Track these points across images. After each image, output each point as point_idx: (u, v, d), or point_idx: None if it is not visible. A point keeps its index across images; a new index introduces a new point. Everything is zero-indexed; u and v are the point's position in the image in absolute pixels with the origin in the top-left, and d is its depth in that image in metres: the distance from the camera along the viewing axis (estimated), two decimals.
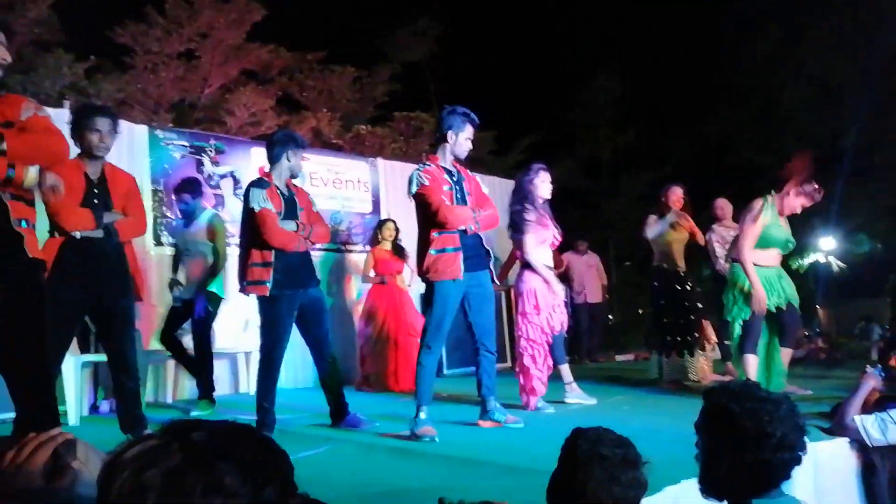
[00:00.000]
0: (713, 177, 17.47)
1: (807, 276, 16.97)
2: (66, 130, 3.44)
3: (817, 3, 15.59)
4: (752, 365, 4.06)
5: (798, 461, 1.53)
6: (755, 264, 4.07)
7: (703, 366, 5.03)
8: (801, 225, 16.96)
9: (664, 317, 5.09)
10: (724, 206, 5.83)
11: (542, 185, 4.36)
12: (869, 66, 15.42)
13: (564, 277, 7.79)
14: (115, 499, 0.73)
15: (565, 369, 4.49)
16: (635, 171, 17.49)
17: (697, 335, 5.02)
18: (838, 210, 16.33)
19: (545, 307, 4.24)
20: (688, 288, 5.11)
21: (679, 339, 5.00)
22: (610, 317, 9.75)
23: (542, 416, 3.98)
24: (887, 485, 2.83)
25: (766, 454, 1.48)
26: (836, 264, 17.37)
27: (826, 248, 16.90)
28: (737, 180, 17.04)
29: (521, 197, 4.37)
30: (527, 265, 4.32)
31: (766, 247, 4.16)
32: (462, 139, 3.61)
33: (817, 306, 14.85)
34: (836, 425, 3.00)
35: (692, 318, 5.03)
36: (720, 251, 5.59)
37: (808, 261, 16.93)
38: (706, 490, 1.61)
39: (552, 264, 4.51)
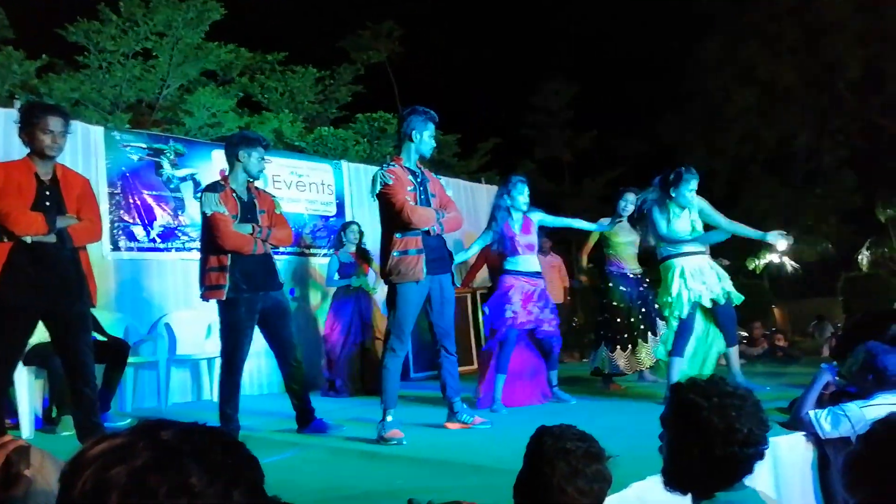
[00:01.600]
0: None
1: (762, 276, 17.46)
2: (14, 131, 3.34)
3: (758, 7, 16.06)
4: (677, 368, 4.05)
5: (761, 455, 1.57)
6: (685, 253, 4.11)
7: (640, 359, 5.05)
8: (756, 226, 17.51)
9: (607, 313, 5.15)
10: None
11: (520, 197, 4.50)
12: (813, 69, 15.95)
13: None
14: (77, 497, 0.71)
15: (553, 374, 4.58)
16: (595, 172, 17.78)
17: (642, 328, 5.07)
18: (791, 212, 16.86)
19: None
20: (641, 290, 5.19)
21: (618, 334, 5.05)
22: (575, 318, 9.85)
23: (509, 417, 4.00)
24: (820, 468, 2.94)
25: (732, 449, 1.51)
26: (789, 265, 17.92)
27: (780, 248, 17.41)
28: None
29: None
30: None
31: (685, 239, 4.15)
32: (426, 137, 3.63)
33: (773, 306, 15.28)
34: (792, 419, 3.09)
35: (639, 316, 5.09)
36: None
37: (763, 261, 17.42)
38: (670, 483, 1.63)
39: (538, 269, 4.59)
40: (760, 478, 1.60)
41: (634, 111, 18.43)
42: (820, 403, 3.07)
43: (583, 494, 1.44)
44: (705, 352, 4.25)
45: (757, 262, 17.28)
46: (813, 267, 17.90)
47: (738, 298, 4.23)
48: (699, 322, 4.15)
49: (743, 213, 17.63)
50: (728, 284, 4.21)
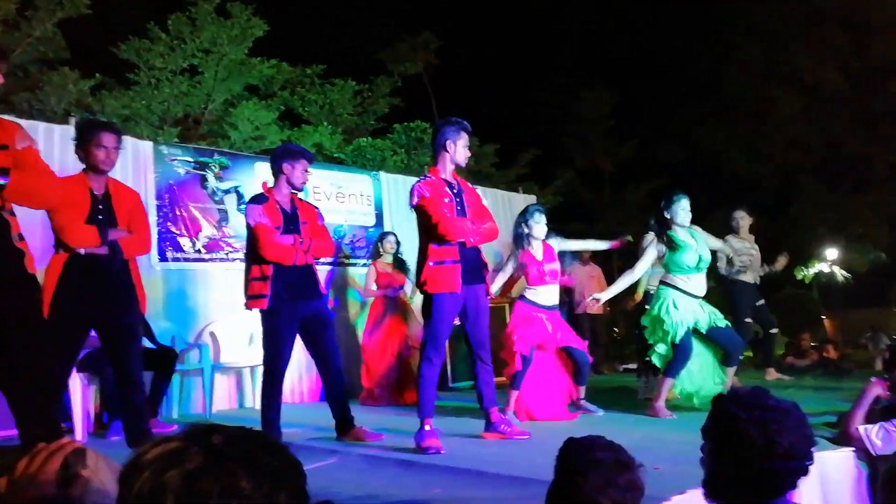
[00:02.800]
0: (709, 186, 17.53)
1: (811, 286, 16.94)
2: (70, 147, 3.50)
3: (804, 11, 15.65)
4: (667, 386, 4.22)
5: (805, 471, 1.53)
6: (681, 289, 4.29)
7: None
8: (805, 235, 17.01)
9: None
10: (741, 217, 5.93)
11: (536, 226, 4.46)
12: (862, 72, 15.46)
13: (566, 288, 7.80)
14: (134, 498, 0.75)
15: (581, 390, 4.57)
16: (635, 181, 17.55)
17: None
18: (840, 220, 16.34)
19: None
20: None
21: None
22: (615, 329, 9.72)
23: (547, 428, 3.98)
24: (872, 486, 2.83)
25: (773, 463, 1.48)
26: (840, 274, 17.34)
27: (830, 257, 16.89)
28: (732, 189, 17.09)
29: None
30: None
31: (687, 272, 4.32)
32: (460, 147, 3.64)
33: (823, 317, 14.80)
34: (840, 435, 2.99)
35: None
36: (737, 262, 5.73)
37: (812, 271, 16.91)
38: (711, 495, 1.61)
39: (556, 302, 4.54)
40: (807, 494, 1.56)
41: (676, 119, 18.14)
42: (870, 418, 2.98)
43: None
44: (710, 371, 4.36)
45: (806, 272, 16.77)
46: (865, 276, 17.29)
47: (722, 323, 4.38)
48: (697, 346, 4.29)
49: (790, 221, 17.18)
50: (718, 316, 4.35)
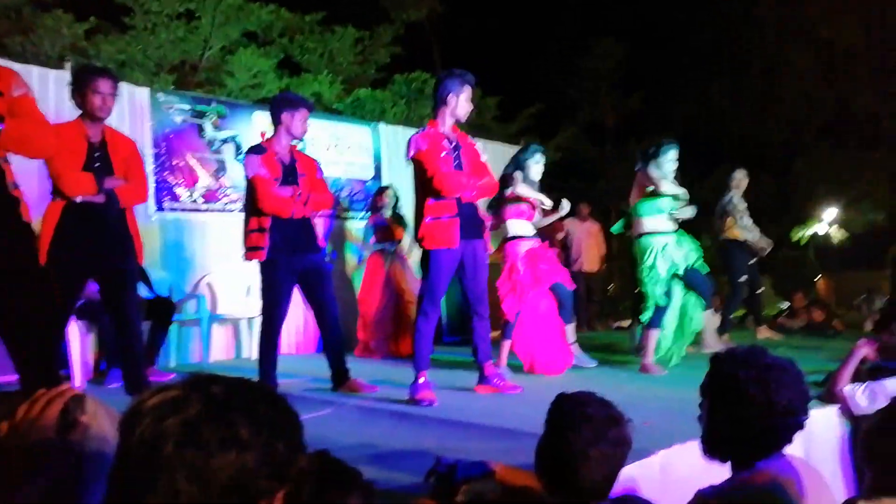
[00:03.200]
0: (717, 143, 17.34)
1: (807, 247, 16.96)
2: (66, 92, 3.45)
3: None
4: (653, 339, 4.33)
5: (801, 426, 1.57)
6: (655, 231, 4.34)
7: None
8: (803, 193, 16.92)
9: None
10: (742, 177, 5.93)
11: (535, 166, 4.51)
12: (879, 30, 15.12)
13: (563, 245, 7.81)
14: (135, 444, 0.77)
15: (570, 329, 4.59)
16: (640, 136, 17.35)
17: None
18: (842, 178, 16.22)
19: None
20: None
21: None
22: (610, 286, 9.76)
23: (540, 382, 4.05)
24: (854, 443, 2.91)
25: (772, 420, 1.52)
26: (837, 235, 17.33)
27: (828, 218, 16.83)
28: (741, 146, 16.90)
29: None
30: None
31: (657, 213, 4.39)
32: (463, 100, 3.59)
33: (817, 278, 14.87)
34: (827, 393, 3.06)
35: None
36: (746, 220, 5.82)
37: (808, 231, 16.90)
38: (709, 452, 1.65)
39: (530, 233, 4.57)
40: (791, 450, 1.60)
41: (685, 74, 17.79)
42: (857, 378, 3.03)
43: (606, 458, 1.48)
44: (685, 323, 4.46)
45: (802, 233, 16.76)
46: (863, 238, 17.28)
47: (703, 269, 4.46)
48: (677, 293, 4.37)
49: (795, 178, 17.05)
50: (694, 256, 4.41)
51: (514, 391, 3.66)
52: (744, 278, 5.88)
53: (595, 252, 8.16)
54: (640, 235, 4.41)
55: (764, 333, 6.21)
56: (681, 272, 4.32)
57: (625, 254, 6.99)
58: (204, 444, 0.76)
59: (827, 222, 16.57)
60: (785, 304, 8.11)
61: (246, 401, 0.81)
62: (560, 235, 7.70)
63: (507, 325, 4.36)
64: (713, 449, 1.65)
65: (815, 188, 16.73)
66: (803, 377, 1.59)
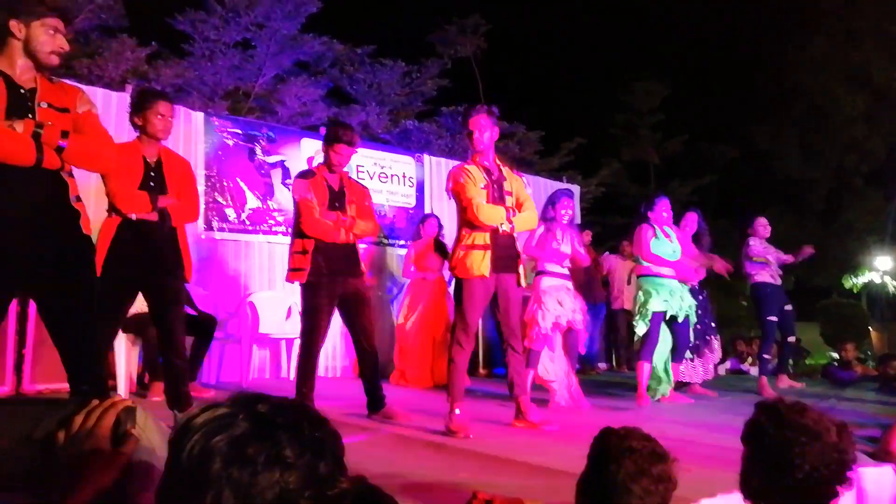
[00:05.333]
0: (761, 185, 17.02)
1: (860, 297, 16.39)
2: (125, 113, 3.59)
3: (873, 4, 14.90)
4: (645, 372, 4.69)
5: (833, 494, 1.49)
6: (661, 276, 4.80)
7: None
8: (856, 243, 16.40)
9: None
10: (765, 224, 5.86)
11: (563, 211, 4.67)
12: None
13: (604, 281, 7.71)
14: (185, 460, 0.78)
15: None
16: (682, 178, 17.16)
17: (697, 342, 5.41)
18: (895, 227, 15.71)
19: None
20: (699, 299, 5.37)
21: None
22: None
23: (577, 420, 3.97)
24: None
25: (810, 479, 1.46)
26: (892, 284, 16.71)
27: (882, 267, 16.27)
28: (783, 190, 16.53)
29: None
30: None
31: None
32: (477, 132, 3.58)
33: (870, 328, 14.31)
34: (880, 451, 2.91)
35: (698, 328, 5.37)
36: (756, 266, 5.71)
37: (862, 280, 16.34)
38: (747, 497, 1.60)
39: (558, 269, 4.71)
40: None
41: (728, 115, 17.62)
42: None
43: (648, 494, 1.43)
44: (665, 360, 4.91)
45: (854, 281, 16.22)
46: None
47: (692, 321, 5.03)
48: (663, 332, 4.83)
49: (843, 228, 16.59)
50: (689, 305, 4.92)
51: (552, 428, 3.59)
52: (773, 319, 5.71)
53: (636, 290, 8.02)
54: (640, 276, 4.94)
55: (785, 382, 6.00)
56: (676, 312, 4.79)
57: None
58: (250, 463, 0.77)
59: (882, 272, 15.98)
60: (834, 354, 7.82)
61: (291, 420, 0.82)
62: (601, 273, 7.62)
63: (530, 353, 4.35)
64: (750, 496, 1.59)
65: (865, 237, 16.23)
66: (846, 444, 1.52)
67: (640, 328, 4.77)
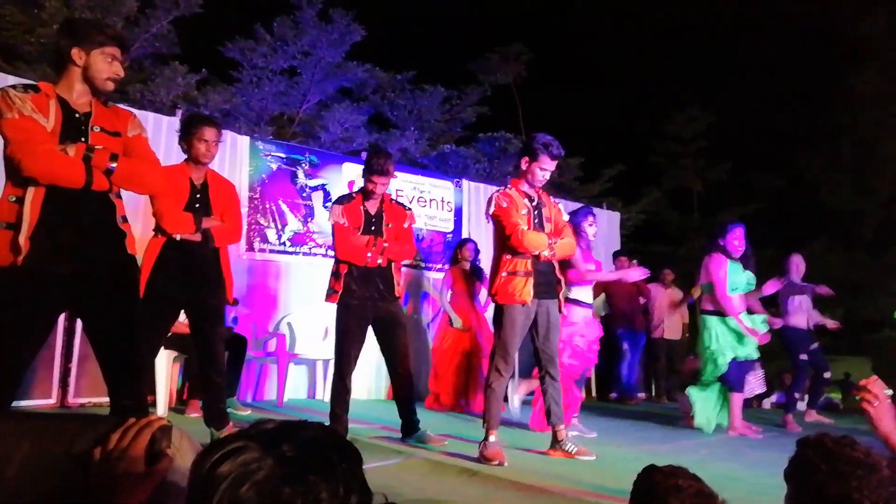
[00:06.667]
0: (808, 216, 16.57)
1: None
2: (175, 136, 3.71)
3: None
4: (739, 403, 4.75)
5: None
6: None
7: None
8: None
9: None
10: (799, 262, 5.76)
11: (590, 228, 4.61)
12: None
13: (644, 310, 7.57)
14: None
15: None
16: (727, 207, 16.82)
17: None
18: None
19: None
20: None
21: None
22: (692, 356, 9.30)
23: (614, 451, 3.87)
24: None
25: None
26: None
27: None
28: (831, 220, 16.05)
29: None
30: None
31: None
32: (534, 168, 3.58)
33: None
34: None
35: None
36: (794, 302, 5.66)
37: None
38: None
39: (589, 300, 4.68)
40: None
41: (774, 144, 17.27)
42: None
43: None
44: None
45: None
46: None
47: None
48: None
49: (893, 260, 16.01)
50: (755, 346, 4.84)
51: (588, 457, 3.51)
52: (805, 358, 5.58)
53: (677, 319, 7.87)
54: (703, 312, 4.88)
55: (812, 417, 5.84)
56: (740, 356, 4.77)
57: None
58: None
59: None
60: (889, 391, 7.49)
61: (321, 457, 0.79)
62: (642, 301, 7.49)
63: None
64: None
65: None
66: None
67: (711, 372, 4.77)
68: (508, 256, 3.54)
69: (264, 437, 0.81)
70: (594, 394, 7.46)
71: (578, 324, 4.49)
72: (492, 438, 3.41)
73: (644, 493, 1.44)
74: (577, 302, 4.52)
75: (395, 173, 4.08)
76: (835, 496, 1.39)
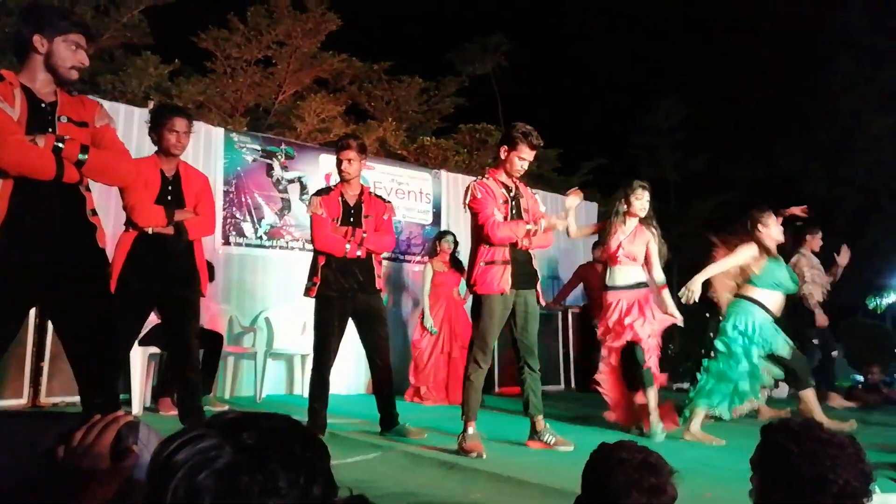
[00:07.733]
0: (784, 205, 16.83)
1: (884, 317, 16.06)
2: (145, 129, 3.63)
3: None
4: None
5: None
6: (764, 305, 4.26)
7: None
8: (882, 263, 16.11)
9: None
10: (811, 239, 5.93)
11: (637, 202, 4.26)
12: None
13: None
14: (170, 501, 0.73)
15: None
16: (704, 194, 17.01)
17: None
18: None
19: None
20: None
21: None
22: (671, 346, 9.40)
23: (592, 441, 3.88)
24: None
25: (824, 500, 1.40)
26: None
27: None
28: (810, 209, 16.32)
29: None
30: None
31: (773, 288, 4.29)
32: (513, 157, 3.55)
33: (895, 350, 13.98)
34: None
35: None
36: (808, 276, 5.62)
37: (886, 300, 16.03)
38: None
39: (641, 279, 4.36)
40: None
41: (751, 134, 17.47)
42: None
43: None
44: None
45: (878, 301, 15.92)
46: None
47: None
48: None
49: (869, 247, 16.33)
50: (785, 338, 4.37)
51: (566, 448, 3.52)
52: (815, 340, 5.62)
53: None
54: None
55: (837, 401, 5.83)
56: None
57: (686, 313, 6.74)
58: (242, 496, 0.72)
59: None
60: (858, 377, 7.64)
61: (281, 446, 0.77)
62: None
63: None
64: None
65: (890, 256, 15.94)
66: (864, 455, 1.46)
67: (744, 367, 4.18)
68: (486, 246, 3.52)
69: (224, 426, 0.79)
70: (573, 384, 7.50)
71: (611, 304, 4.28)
72: (470, 430, 3.40)
73: (591, 469, 1.43)
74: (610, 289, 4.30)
75: (373, 165, 4.04)
76: (809, 476, 1.39)
